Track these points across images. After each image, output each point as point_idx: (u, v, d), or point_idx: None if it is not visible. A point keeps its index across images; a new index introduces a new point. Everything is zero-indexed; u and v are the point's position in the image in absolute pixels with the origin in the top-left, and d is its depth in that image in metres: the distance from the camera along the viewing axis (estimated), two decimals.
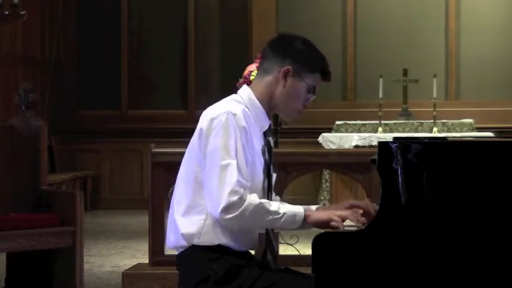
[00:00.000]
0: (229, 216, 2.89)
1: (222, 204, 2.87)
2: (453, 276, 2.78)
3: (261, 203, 2.91)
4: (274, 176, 3.19)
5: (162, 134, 10.96)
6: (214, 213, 2.92)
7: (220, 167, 2.90)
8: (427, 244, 2.77)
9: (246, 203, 2.89)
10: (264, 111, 3.08)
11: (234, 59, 11.21)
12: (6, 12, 7.69)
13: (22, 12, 7.69)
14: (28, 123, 5.61)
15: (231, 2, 11.80)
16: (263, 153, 3.06)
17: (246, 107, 3.04)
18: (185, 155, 3.09)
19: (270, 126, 3.12)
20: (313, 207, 3.12)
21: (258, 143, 3.05)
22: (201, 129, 2.99)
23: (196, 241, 2.99)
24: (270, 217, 2.92)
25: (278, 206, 2.94)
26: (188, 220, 3.00)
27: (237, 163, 2.91)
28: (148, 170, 5.69)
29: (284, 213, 2.93)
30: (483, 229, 2.78)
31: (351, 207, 3.05)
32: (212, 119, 2.97)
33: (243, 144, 2.95)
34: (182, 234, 3.00)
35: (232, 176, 2.89)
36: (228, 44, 11.74)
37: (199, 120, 3.04)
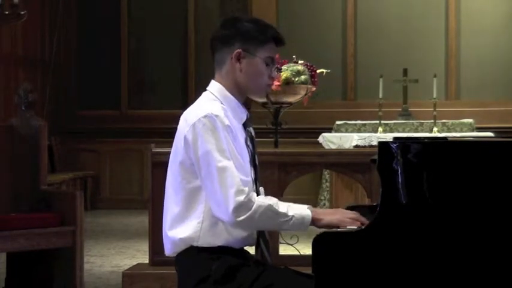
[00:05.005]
0: (241, 218, 2.85)
1: (231, 206, 2.85)
2: (453, 276, 2.77)
3: (270, 205, 2.90)
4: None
5: (162, 134, 10.89)
6: (225, 216, 2.88)
7: (217, 170, 2.87)
8: (426, 244, 2.77)
9: (255, 205, 2.87)
10: (238, 102, 3.06)
11: None
12: (6, 12, 7.69)
13: (22, 12, 7.68)
14: (28, 123, 5.60)
15: (231, 3, 11.80)
16: (246, 144, 3.05)
17: (222, 103, 3.02)
18: (170, 163, 3.06)
19: (247, 116, 3.09)
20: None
21: (241, 136, 3.04)
22: (185, 137, 2.95)
23: (195, 244, 2.97)
24: (279, 220, 2.91)
25: (287, 208, 2.93)
26: (185, 226, 2.97)
27: (234, 162, 2.89)
28: (148, 170, 5.69)
29: (292, 216, 2.92)
30: (483, 229, 2.78)
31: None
32: (194, 125, 2.93)
33: (232, 142, 2.93)
34: (180, 239, 2.98)
35: (233, 176, 2.87)
36: None
37: (180, 126, 3.01)
